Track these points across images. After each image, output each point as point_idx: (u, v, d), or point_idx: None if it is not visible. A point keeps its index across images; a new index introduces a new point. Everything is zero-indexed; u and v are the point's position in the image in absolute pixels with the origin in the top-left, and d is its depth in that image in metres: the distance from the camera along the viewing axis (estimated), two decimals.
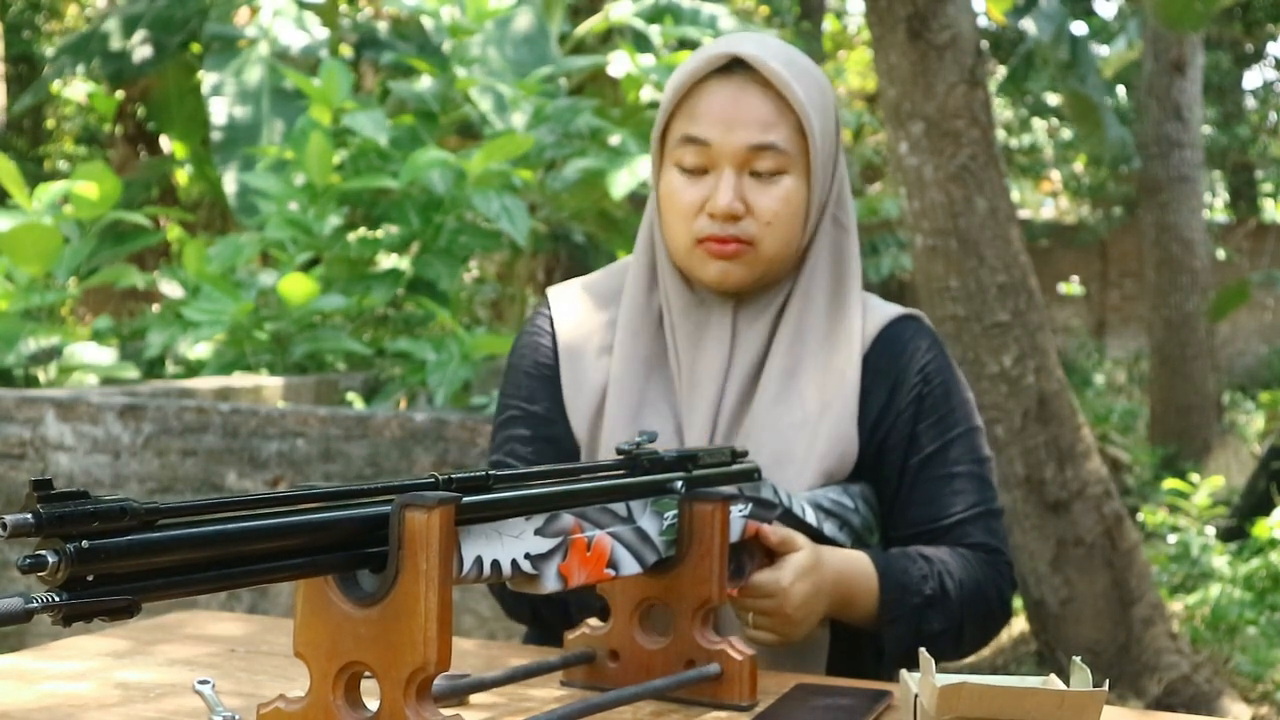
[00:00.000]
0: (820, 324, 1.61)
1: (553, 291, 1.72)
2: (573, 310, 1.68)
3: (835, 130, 1.62)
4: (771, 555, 1.43)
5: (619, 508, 1.22)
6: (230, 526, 0.93)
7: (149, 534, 0.87)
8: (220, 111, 7.66)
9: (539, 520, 1.13)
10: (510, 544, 1.10)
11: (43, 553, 0.82)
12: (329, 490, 1.01)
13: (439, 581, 0.99)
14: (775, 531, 1.41)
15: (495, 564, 1.09)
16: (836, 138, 1.62)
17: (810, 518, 1.50)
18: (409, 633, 0.99)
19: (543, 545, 1.13)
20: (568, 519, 1.16)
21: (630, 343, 1.62)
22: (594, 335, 1.66)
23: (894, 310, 1.67)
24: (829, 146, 1.59)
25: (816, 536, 1.50)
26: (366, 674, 1.02)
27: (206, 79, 7.79)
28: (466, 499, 1.05)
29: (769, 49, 1.57)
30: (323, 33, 8.00)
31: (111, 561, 0.84)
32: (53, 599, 0.82)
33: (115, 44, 8.64)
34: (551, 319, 1.69)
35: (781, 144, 1.55)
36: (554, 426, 1.64)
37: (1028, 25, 9.65)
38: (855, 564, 1.51)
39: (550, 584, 1.14)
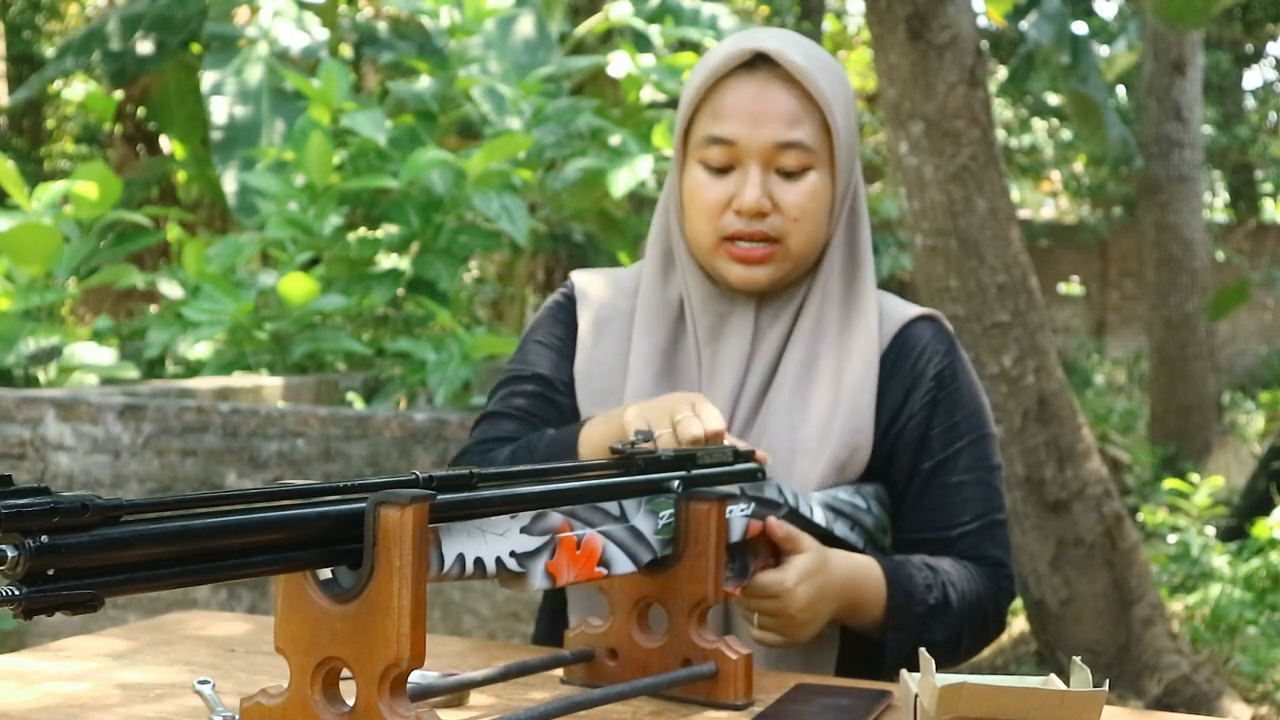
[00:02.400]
0: (836, 316, 1.61)
1: (577, 275, 1.73)
2: (595, 295, 1.69)
3: (855, 122, 1.62)
4: (777, 555, 1.43)
5: (611, 506, 1.22)
6: (196, 523, 0.93)
7: (111, 529, 0.87)
8: (220, 111, 7.66)
9: (525, 518, 1.13)
10: (495, 542, 1.10)
11: (2, 547, 0.83)
12: (305, 487, 1.01)
13: (412, 579, 0.99)
14: (782, 526, 1.41)
15: (479, 561, 1.09)
16: (855, 131, 1.62)
17: (819, 517, 1.49)
18: (383, 629, 0.99)
19: (529, 543, 1.13)
20: (556, 517, 1.16)
21: (648, 333, 1.62)
22: (611, 321, 1.66)
23: (912, 310, 1.66)
24: (851, 140, 1.60)
25: (826, 536, 1.49)
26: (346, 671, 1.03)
27: (206, 78, 7.80)
28: (444, 496, 1.05)
29: (791, 44, 1.57)
30: (323, 33, 8.00)
31: (72, 556, 0.85)
32: (12, 592, 0.83)
33: (116, 44, 8.64)
34: (573, 300, 1.70)
35: (807, 140, 1.55)
36: (558, 394, 1.65)
37: (1028, 27, 9.65)
38: (863, 569, 1.51)
39: (538, 582, 1.14)
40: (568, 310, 1.70)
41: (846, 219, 1.63)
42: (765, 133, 1.54)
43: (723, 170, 1.56)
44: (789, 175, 1.55)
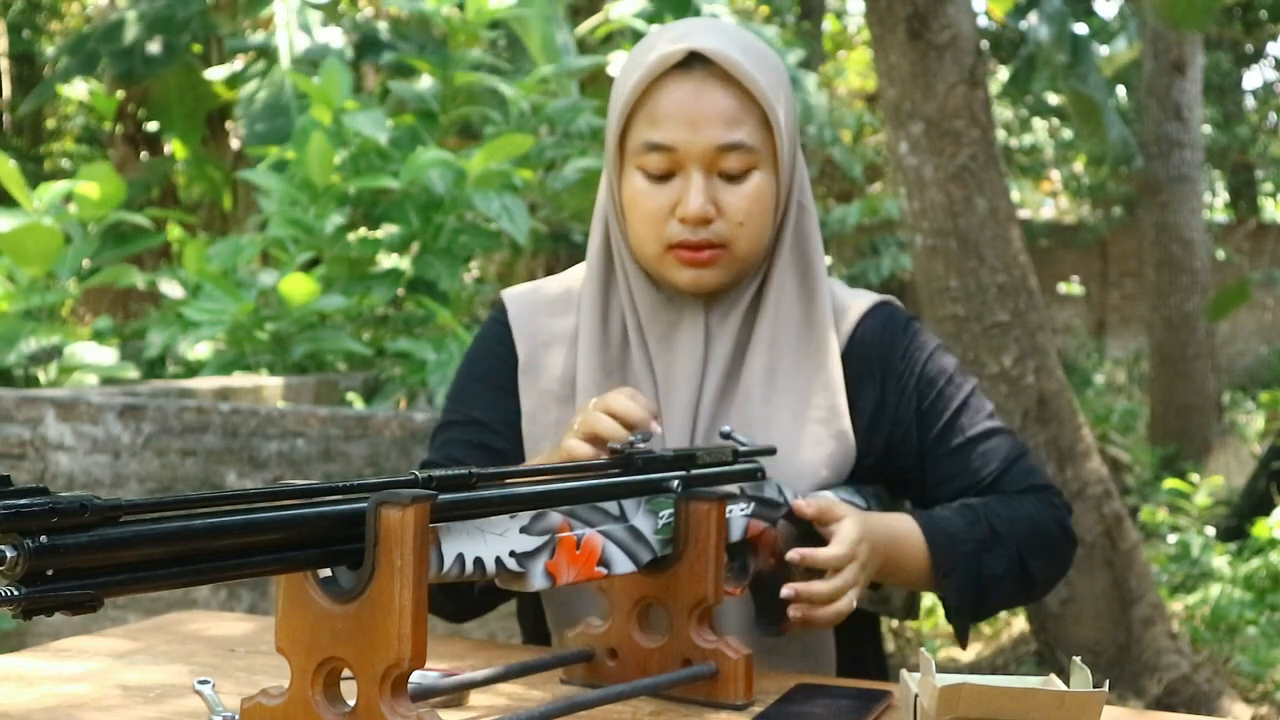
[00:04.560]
0: (795, 317, 1.58)
1: (508, 296, 1.66)
2: (530, 320, 1.63)
3: (795, 114, 1.57)
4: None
5: (610, 506, 1.22)
6: (196, 523, 0.93)
7: (110, 530, 0.87)
8: (253, 135, 7.72)
9: (525, 518, 1.13)
10: (494, 542, 1.10)
11: (1, 548, 0.83)
12: (305, 487, 1.01)
13: (413, 579, 0.99)
14: (810, 503, 1.40)
15: (478, 561, 1.09)
16: (795, 122, 1.57)
17: None
18: (384, 629, 0.99)
19: (529, 543, 1.13)
20: (555, 517, 1.16)
21: (592, 354, 1.57)
22: (552, 344, 1.61)
23: (864, 302, 1.63)
24: (793, 134, 1.55)
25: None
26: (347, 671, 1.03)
27: (239, 102, 7.86)
28: (444, 496, 1.05)
29: (726, 39, 1.51)
30: (337, 37, 8.03)
31: (71, 556, 0.85)
32: (11, 593, 0.83)
33: (119, 45, 8.65)
34: (507, 327, 1.63)
35: (749, 141, 1.50)
36: (496, 437, 1.59)
37: (1030, 25, 9.66)
38: (899, 523, 1.49)
39: (538, 582, 1.14)
40: (503, 340, 1.63)
41: (795, 215, 1.58)
42: (705, 136, 1.49)
43: (663, 177, 1.51)
44: (732, 178, 1.51)
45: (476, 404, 1.62)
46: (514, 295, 1.67)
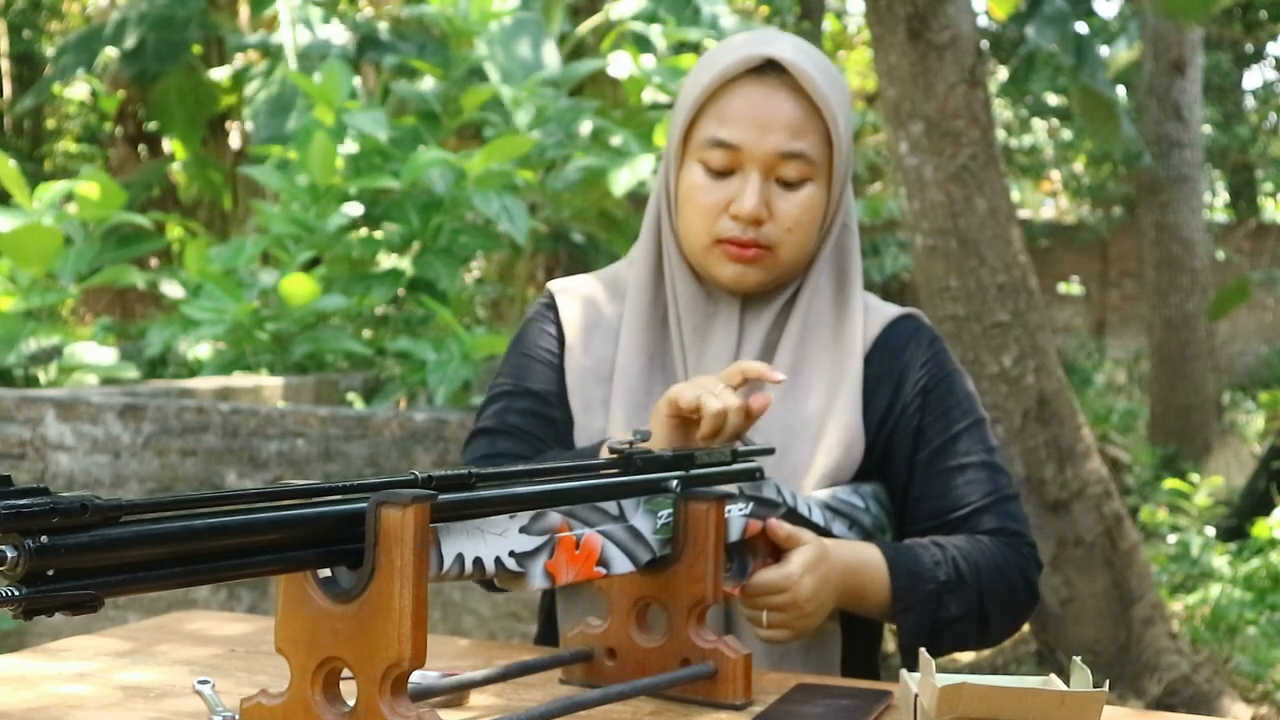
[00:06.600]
0: (826, 322, 1.62)
1: (554, 285, 1.72)
2: (576, 302, 1.69)
3: (852, 133, 1.63)
4: (777, 554, 1.43)
5: (610, 506, 1.22)
6: (196, 523, 0.93)
7: (110, 530, 0.87)
8: (257, 132, 7.72)
9: (524, 518, 1.13)
10: (494, 541, 1.10)
11: (2, 548, 0.83)
12: (305, 487, 1.01)
13: (414, 579, 0.99)
14: (783, 526, 1.42)
15: (478, 561, 1.09)
16: (852, 146, 1.63)
17: (817, 517, 1.50)
18: (384, 629, 0.99)
19: (528, 543, 1.14)
20: (555, 517, 1.16)
21: (635, 335, 1.62)
22: (597, 327, 1.66)
23: (893, 311, 1.68)
24: (849, 153, 1.61)
25: (824, 536, 1.49)
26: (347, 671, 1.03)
27: (244, 100, 7.88)
28: (444, 496, 1.05)
29: (802, 52, 1.57)
30: (338, 33, 8.04)
31: (71, 557, 0.85)
32: (11, 593, 0.83)
33: (119, 46, 8.64)
34: (555, 309, 1.69)
35: (809, 152, 1.55)
36: (552, 408, 1.64)
37: (1030, 31, 9.65)
38: (863, 555, 1.51)
39: (537, 582, 1.14)
40: (551, 321, 1.69)
41: (838, 232, 1.64)
42: (770, 141, 1.54)
43: (722, 173, 1.56)
44: (788, 185, 1.56)
45: (532, 377, 1.66)
46: (560, 284, 1.73)
